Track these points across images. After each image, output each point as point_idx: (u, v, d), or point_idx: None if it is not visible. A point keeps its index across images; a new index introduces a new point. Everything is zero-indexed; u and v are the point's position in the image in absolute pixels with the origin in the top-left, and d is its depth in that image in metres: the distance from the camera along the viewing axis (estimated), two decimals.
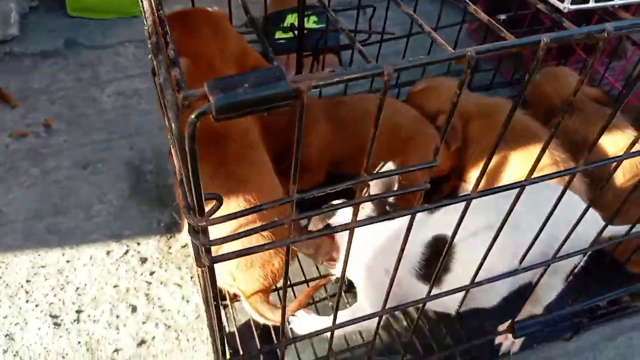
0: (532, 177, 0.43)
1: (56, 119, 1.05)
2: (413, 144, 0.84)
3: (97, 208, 0.92)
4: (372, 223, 0.40)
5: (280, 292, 0.60)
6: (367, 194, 0.67)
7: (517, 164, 0.78)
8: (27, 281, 0.82)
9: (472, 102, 0.90)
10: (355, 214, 0.39)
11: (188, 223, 0.30)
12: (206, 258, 0.30)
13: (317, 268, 0.81)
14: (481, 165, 0.84)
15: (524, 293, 0.64)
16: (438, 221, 0.61)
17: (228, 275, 0.64)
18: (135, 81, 1.15)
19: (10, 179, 0.95)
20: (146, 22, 0.31)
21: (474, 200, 0.42)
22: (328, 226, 0.64)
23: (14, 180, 0.95)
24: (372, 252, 0.61)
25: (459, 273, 0.58)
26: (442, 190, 0.89)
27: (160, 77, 0.28)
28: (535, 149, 0.79)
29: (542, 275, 0.59)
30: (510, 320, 0.67)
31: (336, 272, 0.67)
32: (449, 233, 0.47)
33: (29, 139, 1.02)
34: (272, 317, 0.64)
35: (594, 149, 0.44)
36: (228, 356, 0.49)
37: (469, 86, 1.03)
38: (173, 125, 0.27)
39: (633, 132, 0.84)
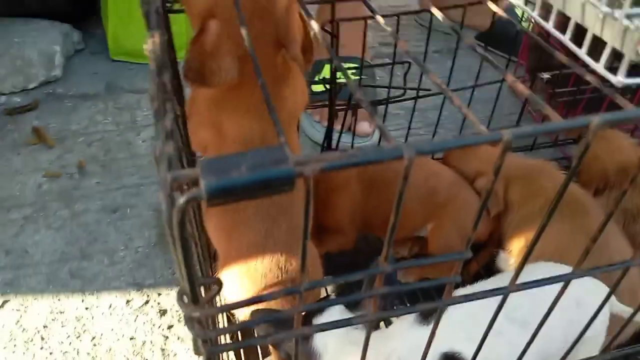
0: (580, 266, 0.37)
1: (90, 161, 1.06)
2: (450, 208, 0.80)
3: (122, 254, 0.91)
4: (393, 315, 0.35)
5: None
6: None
7: (562, 243, 0.73)
8: (44, 327, 0.80)
9: (514, 163, 0.86)
10: (374, 304, 0.35)
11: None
12: (203, 349, 0.27)
13: None
14: (523, 235, 0.80)
15: None
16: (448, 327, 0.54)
17: None
18: None
19: (39, 220, 0.95)
20: (150, 83, 0.29)
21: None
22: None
23: (43, 222, 0.95)
24: None
25: None
26: (477, 260, 0.84)
27: (156, 149, 0.26)
28: (584, 226, 0.74)
29: None
30: None
31: None
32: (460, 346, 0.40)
33: (62, 180, 1.03)
34: None
35: None
36: None
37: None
38: (164, 207, 0.24)
39: None
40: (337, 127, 1.11)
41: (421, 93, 0.90)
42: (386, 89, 0.93)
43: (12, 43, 1.21)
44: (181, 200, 0.24)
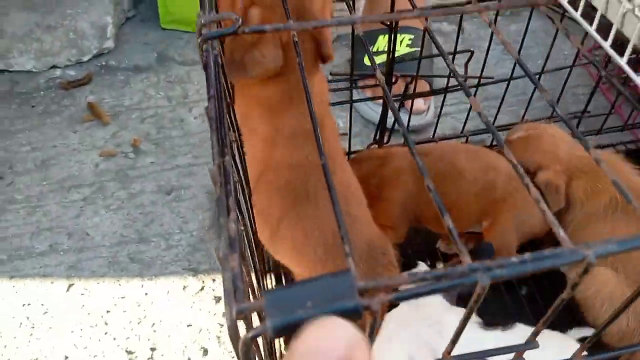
0: None
1: (144, 139, 1.07)
2: (508, 205, 0.77)
3: (177, 237, 0.93)
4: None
5: None
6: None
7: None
8: (107, 311, 0.84)
9: (578, 155, 0.81)
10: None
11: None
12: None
13: None
14: (584, 236, 0.76)
15: None
16: None
17: None
18: None
19: (98, 201, 0.98)
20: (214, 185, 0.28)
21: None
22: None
23: (101, 203, 0.97)
24: None
25: None
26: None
27: (219, 252, 0.25)
28: None
29: None
30: None
31: None
32: None
33: (117, 158, 1.04)
34: None
35: None
36: None
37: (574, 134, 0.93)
38: (229, 334, 0.24)
39: None
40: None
41: (484, 81, 0.85)
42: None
43: (65, 15, 1.21)
44: (248, 335, 0.24)
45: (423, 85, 1.07)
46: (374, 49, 1.12)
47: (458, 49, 0.84)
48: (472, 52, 0.81)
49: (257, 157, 0.62)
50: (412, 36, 1.11)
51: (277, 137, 0.61)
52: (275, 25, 0.37)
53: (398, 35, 1.06)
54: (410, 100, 0.98)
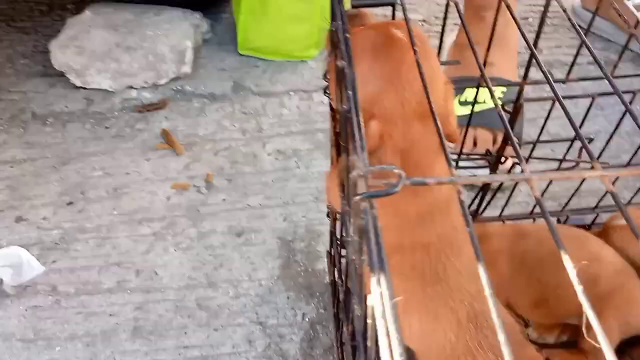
0: None
1: (217, 174, 1.05)
2: (613, 302, 0.71)
3: (246, 286, 0.90)
4: None
5: None
6: None
7: None
8: None
9: None
10: None
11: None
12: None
13: None
14: None
15: None
16: None
17: None
18: (297, 140, 1.11)
19: (168, 238, 0.96)
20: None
21: None
22: None
23: (172, 240, 0.95)
24: None
25: None
26: (632, 355, 0.75)
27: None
28: None
29: None
30: None
31: None
32: None
33: (189, 193, 1.02)
34: None
35: None
36: None
37: None
38: None
39: None
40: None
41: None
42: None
43: (145, 37, 1.20)
44: None
45: (486, 135, 1.02)
46: (462, 99, 1.06)
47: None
48: (592, 140, 0.75)
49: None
50: (504, 89, 1.05)
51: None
52: (439, 179, 0.33)
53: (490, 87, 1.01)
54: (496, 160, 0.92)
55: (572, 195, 0.82)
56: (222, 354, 0.82)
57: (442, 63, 0.64)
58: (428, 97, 0.46)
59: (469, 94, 1.07)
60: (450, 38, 1.23)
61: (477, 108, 1.08)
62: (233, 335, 0.84)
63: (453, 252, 0.56)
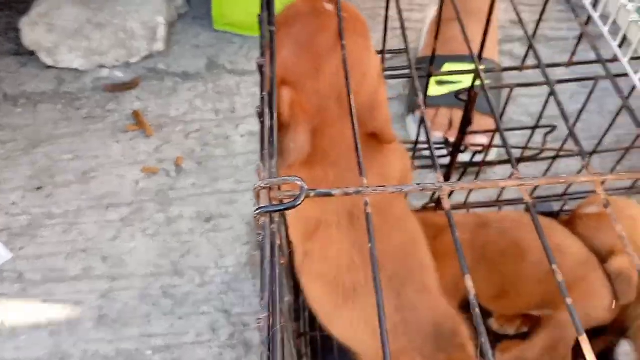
0: None
1: (187, 157, 1.03)
2: (572, 294, 0.69)
3: (212, 273, 0.89)
4: None
5: None
6: None
7: None
8: (136, 349, 0.82)
9: None
10: None
11: None
12: None
13: None
14: None
15: None
16: None
17: None
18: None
19: (135, 224, 0.95)
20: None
21: None
22: None
23: (139, 225, 0.94)
24: None
25: None
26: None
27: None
28: None
29: None
30: None
31: None
32: None
33: (158, 177, 1.01)
34: None
35: None
36: None
37: None
38: None
39: None
40: (437, 134, 0.99)
41: (562, 153, 0.76)
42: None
43: (116, 12, 1.16)
44: None
45: (489, 123, 0.99)
46: (438, 79, 1.03)
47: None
48: (555, 127, 0.72)
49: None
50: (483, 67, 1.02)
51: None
52: (345, 190, 0.31)
53: (466, 64, 0.97)
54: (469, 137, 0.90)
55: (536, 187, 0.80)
56: (185, 343, 0.82)
57: None
58: (346, 73, 0.43)
59: (447, 70, 1.03)
60: (431, 12, 1.18)
61: (453, 88, 1.06)
62: (197, 324, 0.84)
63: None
